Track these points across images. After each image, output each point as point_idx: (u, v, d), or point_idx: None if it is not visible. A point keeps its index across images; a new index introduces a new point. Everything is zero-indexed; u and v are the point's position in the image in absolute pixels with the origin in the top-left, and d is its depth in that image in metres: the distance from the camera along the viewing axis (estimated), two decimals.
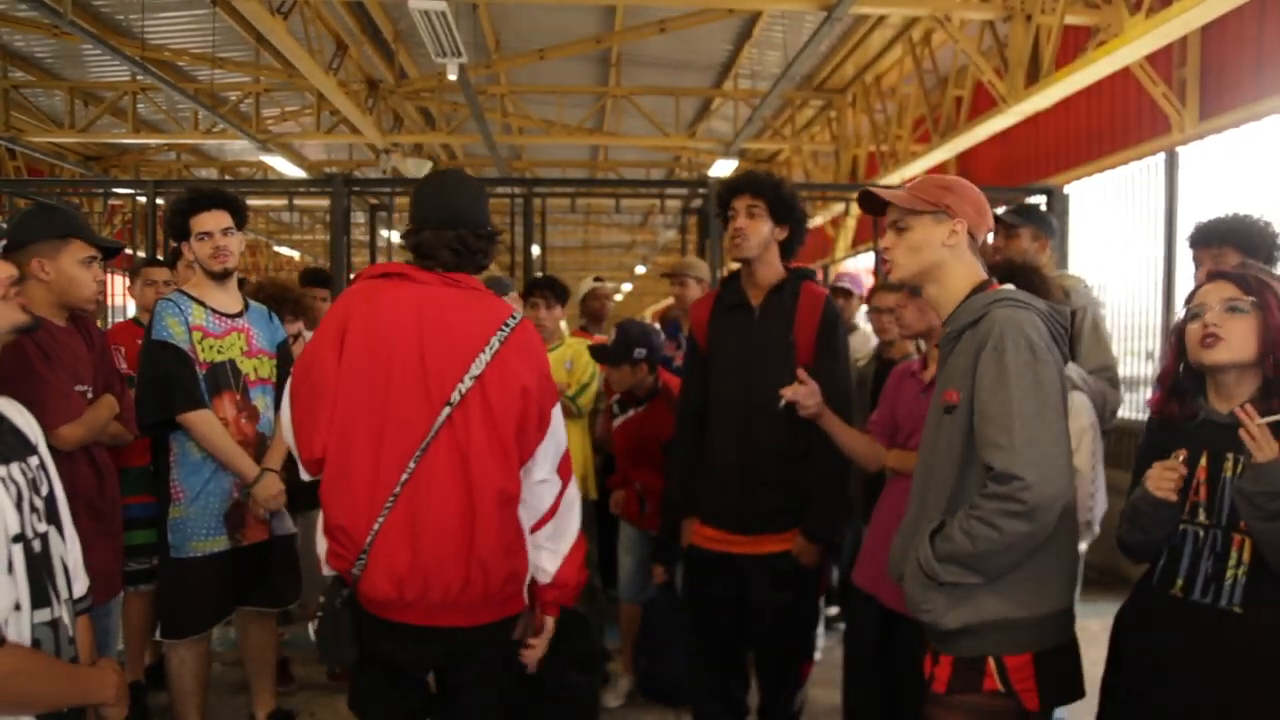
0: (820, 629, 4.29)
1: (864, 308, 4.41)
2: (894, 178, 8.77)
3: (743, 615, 2.82)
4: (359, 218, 7.84)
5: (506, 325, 1.97)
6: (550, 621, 2.15)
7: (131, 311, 3.84)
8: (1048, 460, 1.68)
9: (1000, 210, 3.42)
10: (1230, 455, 1.74)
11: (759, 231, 2.68)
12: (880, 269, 6.67)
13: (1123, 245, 6.46)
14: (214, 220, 2.86)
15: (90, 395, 2.60)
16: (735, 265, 2.88)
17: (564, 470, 2.10)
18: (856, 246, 11.87)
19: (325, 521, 1.97)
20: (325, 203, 9.96)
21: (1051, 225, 3.44)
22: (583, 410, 3.85)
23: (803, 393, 2.51)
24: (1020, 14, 6.07)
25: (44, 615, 1.43)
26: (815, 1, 5.71)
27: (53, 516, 1.53)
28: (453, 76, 6.48)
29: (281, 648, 3.59)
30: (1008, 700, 1.76)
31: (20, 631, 1.38)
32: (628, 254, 21.79)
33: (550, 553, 2.08)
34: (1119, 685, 1.93)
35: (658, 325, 4.72)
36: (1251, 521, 1.67)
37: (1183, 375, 1.87)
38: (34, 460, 1.52)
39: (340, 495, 1.92)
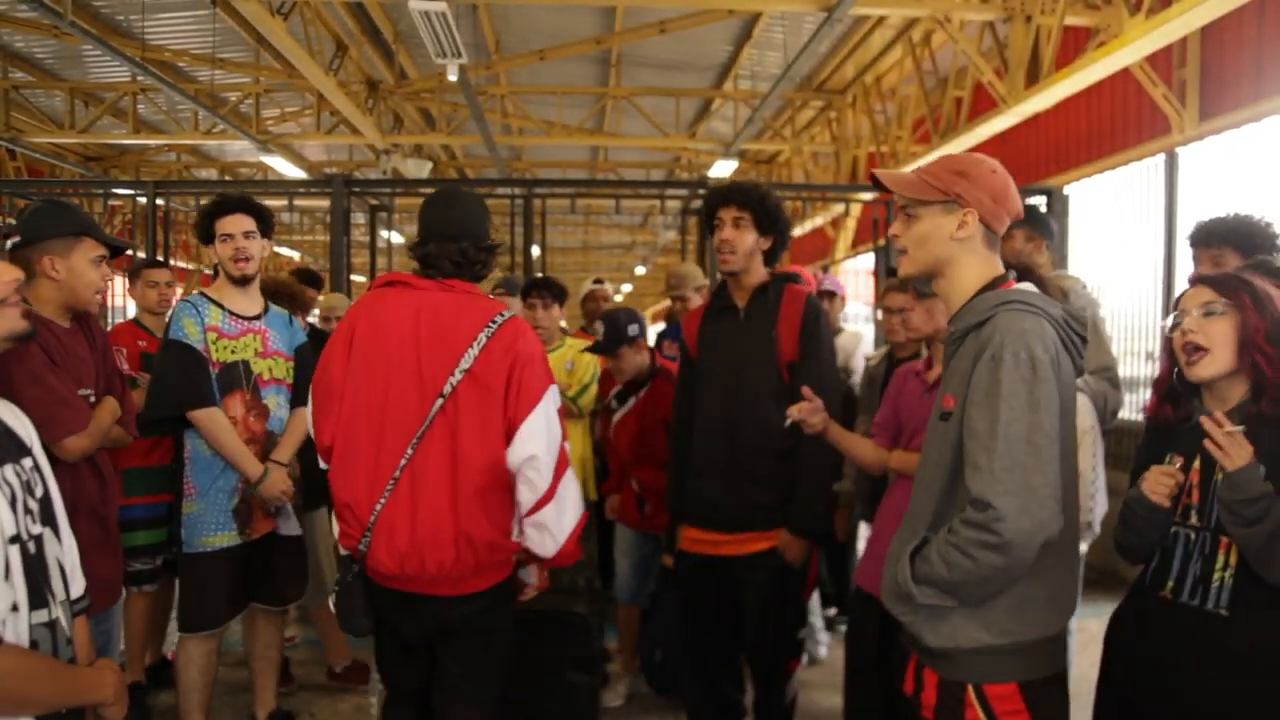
0: (822, 630, 4.31)
1: (853, 308, 4.44)
2: None
3: (734, 617, 2.83)
4: (359, 218, 7.85)
5: (494, 322, 2.15)
6: (540, 571, 2.35)
7: (132, 312, 3.85)
8: (1028, 490, 1.54)
9: None
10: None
11: (744, 242, 2.77)
12: (880, 269, 6.68)
13: (1123, 246, 6.46)
14: (236, 224, 2.96)
15: (93, 399, 2.60)
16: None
17: (562, 457, 2.18)
18: (856, 247, 11.88)
19: (334, 501, 2.21)
20: (325, 203, 9.96)
21: (1048, 226, 3.43)
22: (583, 411, 3.85)
23: (807, 410, 2.52)
24: (1020, 15, 6.08)
25: (41, 616, 1.43)
26: (815, 2, 5.71)
27: (48, 518, 1.53)
28: (453, 77, 6.48)
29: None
30: None
31: (18, 633, 1.38)
32: (628, 255, 21.80)
33: (553, 535, 2.17)
34: (1111, 686, 1.93)
35: (662, 325, 4.74)
36: (1231, 528, 1.68)
37: (1176, 380, 1.87)
38: (27, 462, 1.51)
39: (345, 478, 2.17)
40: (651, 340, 4.18)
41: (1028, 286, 1.73)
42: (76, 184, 11.06)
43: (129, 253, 6.03)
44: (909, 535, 1.74)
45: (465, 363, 2.11)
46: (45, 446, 2.25)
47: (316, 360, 2.32)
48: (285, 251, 17.83)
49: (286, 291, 3.81)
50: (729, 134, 9.61)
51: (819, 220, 12.23)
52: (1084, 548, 2.93)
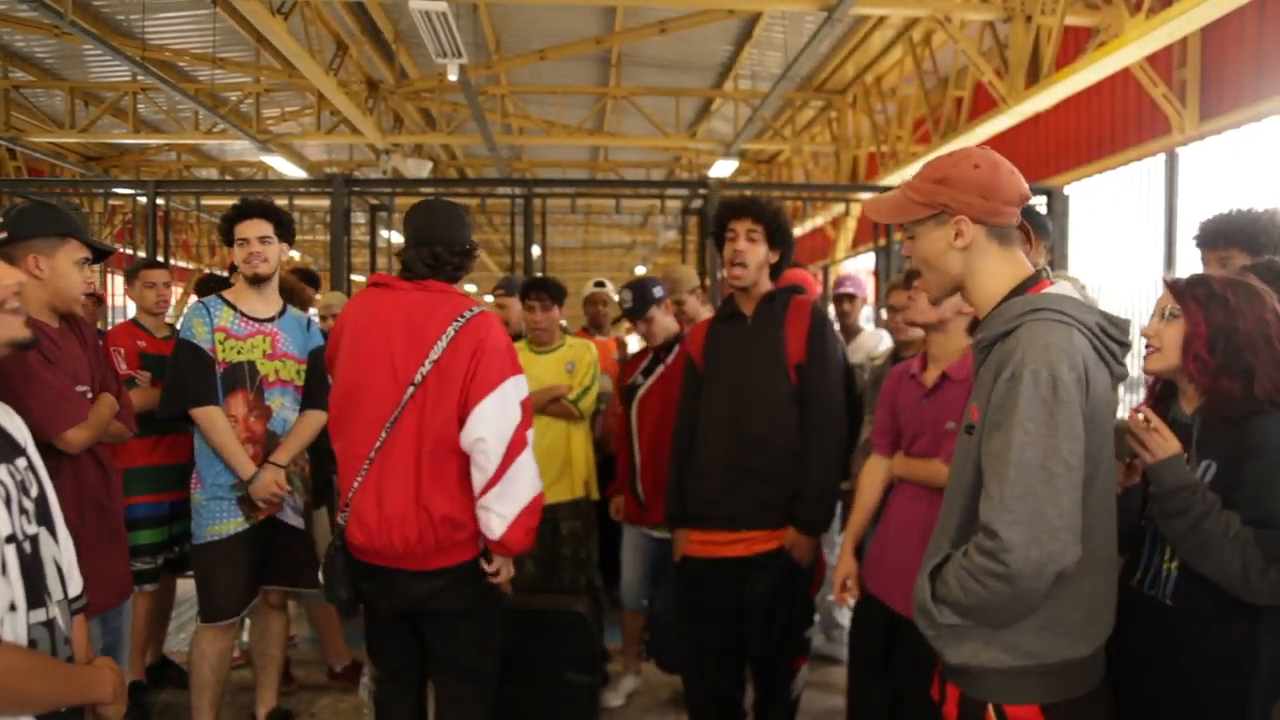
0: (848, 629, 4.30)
1: (867, 309, 4.44)
2: (894, 178, 8.76)
3: (740, 617, 2.83)
4: (359, 218, 7.84)
5: (463, 316, 2.33)
6: (501, 560, 2.41)
7: (132, 313, 3.85)
8: (1039, 519, 1.44)
9: None
10: (1185, 454, 1.80)
11: (757, 255, 2.83)
12: (880, 269, 6.67)
13: (1123, 246, 6.46)
14: (253, 228, 3.07)
15: (89, 395, 2.60)
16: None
17: (516, 442, 2.30)
18: (856, 247, 11.88)
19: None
20: (325, 203, 9.96)
21: (1045, 225, 3.41)
22: (584, 413, 3.84)
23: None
24: (1020, 15, 6.08)
25: (38, 616, 1.43)
26: (815, 2, 5.72)
27: (43, 518, 1.53)
28: (453, 77, 6.48)
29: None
30: None
31: (17, 632, 1.38)
32: (628, 255, 21.81)
33: (499, 516, 2.29)
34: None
35: None
36: (1157, 520, 1.78)
37: (1159, 383, 1.98)
38: (21, 462, 1.51)
39: (339, 459, 2.43)
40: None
41: (1064, 287, 1.59)
42: (77, 184, 11.05)
43: (128, 253, 6.02)
44: (934, 549, 1.69)
45: (434, 354, 2.30)
46: (47, 443, 2.25)
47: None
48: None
49: (284, 289, 3.82)
50: (729, 134, 9.61)
51: (819, 220, 12.24)
52: None
